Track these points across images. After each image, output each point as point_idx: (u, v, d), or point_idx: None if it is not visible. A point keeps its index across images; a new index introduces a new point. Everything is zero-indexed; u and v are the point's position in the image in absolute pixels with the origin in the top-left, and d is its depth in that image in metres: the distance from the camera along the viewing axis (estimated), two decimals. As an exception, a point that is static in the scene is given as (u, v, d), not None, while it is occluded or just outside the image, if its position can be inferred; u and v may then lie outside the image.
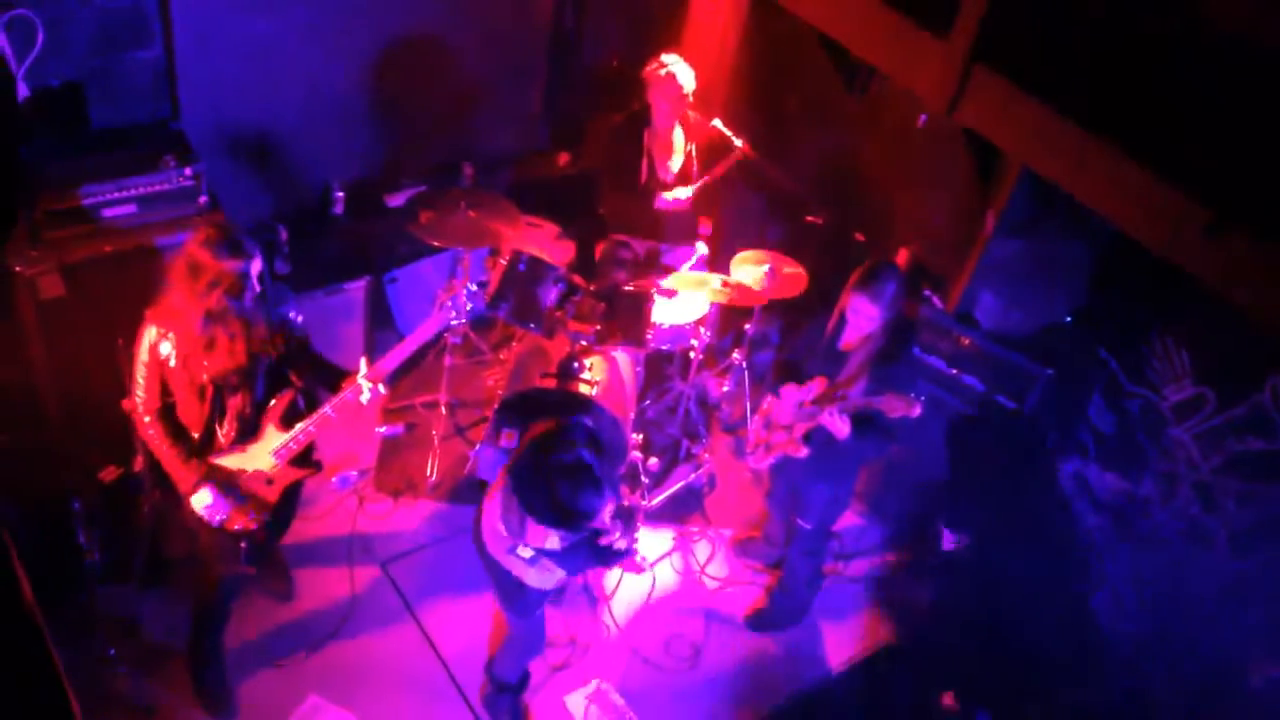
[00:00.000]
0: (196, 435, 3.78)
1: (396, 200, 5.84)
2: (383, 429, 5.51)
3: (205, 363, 3.62)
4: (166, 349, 3.62)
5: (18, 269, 4.21)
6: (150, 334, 3.63)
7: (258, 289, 3.61)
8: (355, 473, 5.30)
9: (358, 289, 5.40)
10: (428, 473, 5.37)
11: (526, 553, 3.80)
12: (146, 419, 3.73)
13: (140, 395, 3.71)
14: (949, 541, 5.21)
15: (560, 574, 3.92)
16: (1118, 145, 2.69)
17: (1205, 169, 2.56)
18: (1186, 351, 4.43)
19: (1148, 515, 4.68)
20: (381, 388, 3.84)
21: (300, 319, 3.90)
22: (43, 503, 4.49)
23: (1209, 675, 4.54)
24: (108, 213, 4.37)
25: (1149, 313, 4.54)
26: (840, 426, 4.11)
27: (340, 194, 5.62)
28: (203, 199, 4.55)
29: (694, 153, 5.36)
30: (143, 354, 3.66)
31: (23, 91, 4.35)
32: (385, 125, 5.73)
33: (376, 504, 5.22)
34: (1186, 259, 2.62)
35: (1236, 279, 2.56)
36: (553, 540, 3.70)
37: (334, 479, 5.21)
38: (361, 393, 3.82)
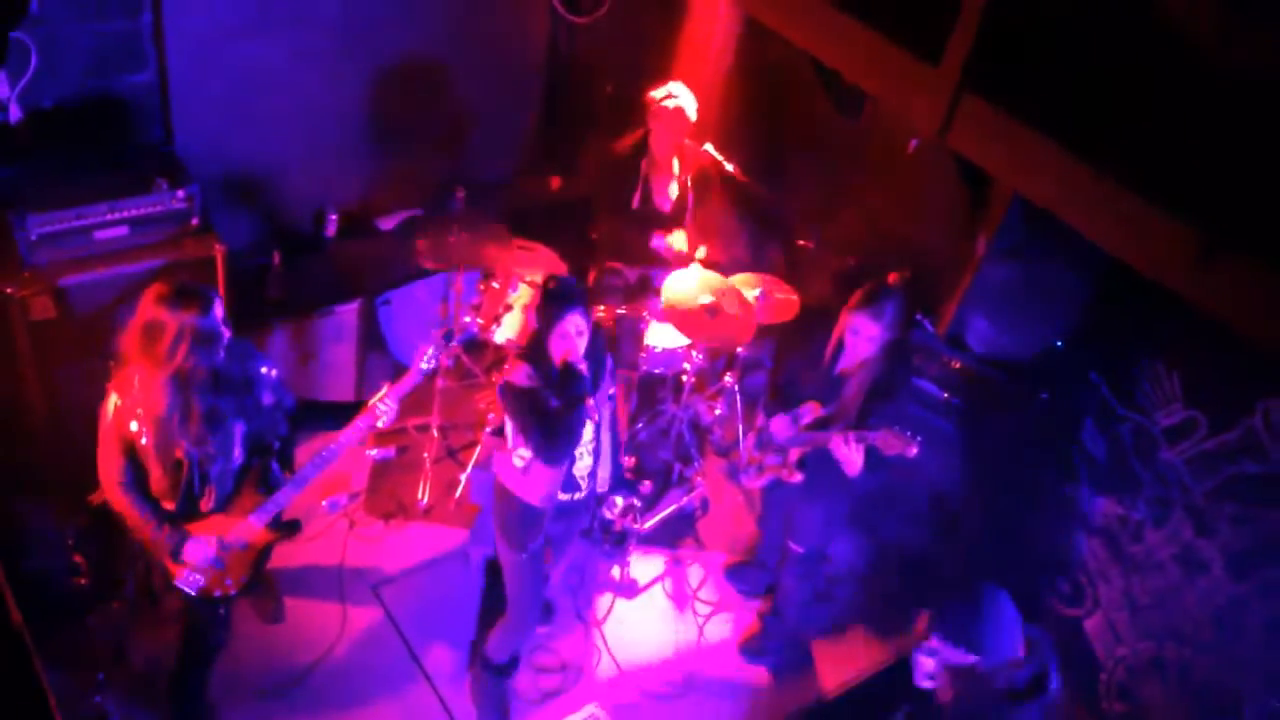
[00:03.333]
0: (172, 506, 3.65)
1: (389, 223, 5.85)
2: (374, 452, 5.50)
3: (180, 439, 3.49)
4: (135, 426, 3.48)
5: (9, 290, 4.20)
6: (115, 403, 3.49)
7: (226, 335, 3.48)
8: (346, 495, 5.28)
9: (350, 312, 5.39)
10: (419, 496, 5.35)
11: (521, 460, 3.96)
12: (113, 491, 3.58)
13: (104, 466, 3.56)
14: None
15: (549, 485, 4.02)
16: (1108, 170, 2.70)
17: (1196, 193, 2.57)
18: (1178, 375, 4.44)
19: (1140, 539, 4.68)
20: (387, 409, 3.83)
21: (275, 373, 3.78)
22: (32, 526, 4.47)
23: (1204, 703, 4.53)
24: (100, 235, 4.36)
25: (1140, 337, 4.56)
26: (854, 458, 4.07)
27: (333, 217, 5.63)
28: (195, 221, 4.54)
29: (689, 182, 5.37)
30: (106, 425, 3.52)
31: (16, 114, 4.35)
32: (379, 149, 5.74)
33: (367, 527, 5.20)
34: (1177, 283, 2.63)
35: (1227, 303, 2.56)
36: (520, 375, 3.88)
37: (324, 502, 5.19)
38: (380, 417, 3.79)
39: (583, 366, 3.87)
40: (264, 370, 3.74)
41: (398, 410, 3.86)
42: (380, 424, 3.82)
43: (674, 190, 5.38)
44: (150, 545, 3.69)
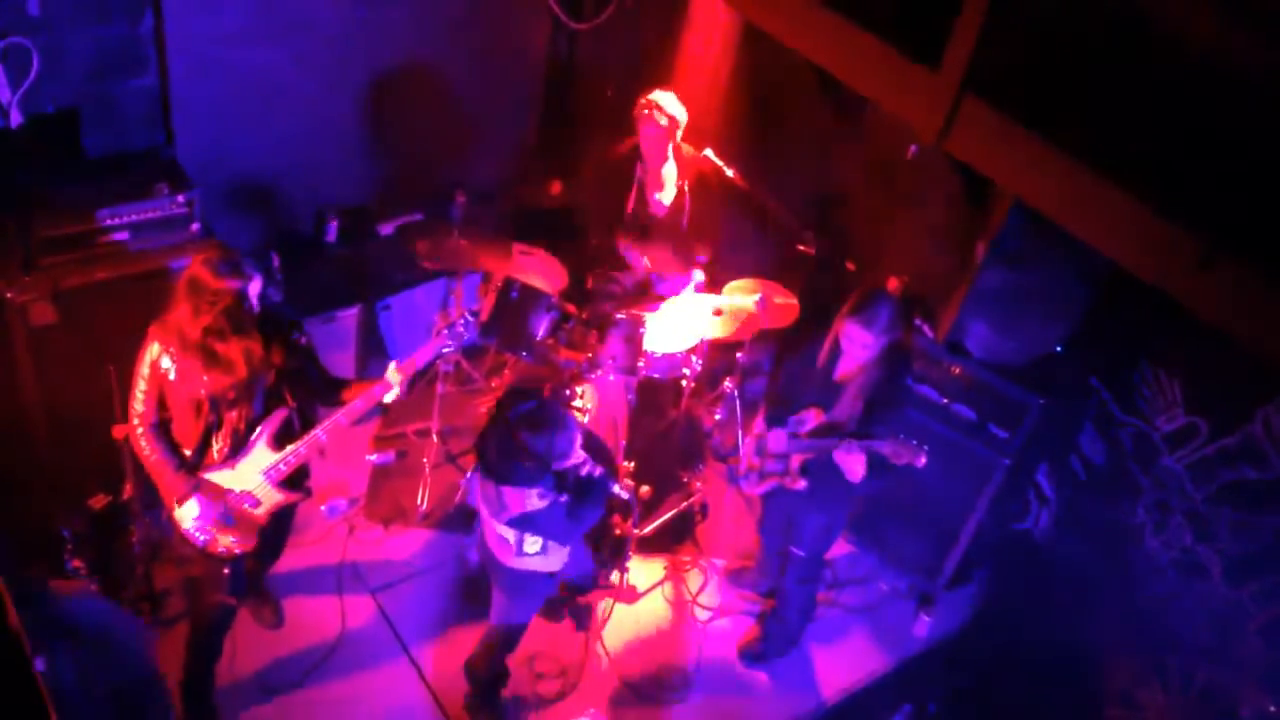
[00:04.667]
0: (189, 452, 3.80)
1: (390, 228, 5.85)
2: (373, 457, 5.50)
3: (204, 378, 3.66)
4: (167, 363, 3.67)
5: (9, 295, 4.20)
6: (153, 348, 3.69)
7: (256, 309, 3.67)
8: (345, 501, 5.27)
9: (350, 316, 5.40)
10: (419, 501, 5.34)
11: (534, 546, 3.90)
12: (140, 430, 3.76)
13: (138, 408, 3.74)
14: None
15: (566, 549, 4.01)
16: (1108, 176, 2.70)
17: (1196, 199, 2.58)
18: (1178, 382, 4.45)
19: (1140, 544, 4.68)
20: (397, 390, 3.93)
21: (304, 340, 3.94)
22: (31, 530, 4.47)
23: (1204, 707, 4.53)
24: (100, 240, 4.36)
25: (1140, 343, 4.56)
26: (856, 466, 4.07)
27: (334, 221, 5.63)
28: (195, 226, 4.55)
29: (686, 188, 5.37)
30: (144, 367, 3.72)
31: (17, 118, 4.36)
32: (380, 153, 5.74)
33: (367, 532, 5.20)
34: (1178, 289, 2.63)
35: (1227, 309, 2.57)
36: (532, 500, 3.76)
37: (324, 507, 5.18)
38: (391, 389, 3.91)
39: (597, 471, 3.89)
40: (294, 336, 3.89)
41: (407, 386, 3.96)
42: (389, 397, 3.93)
43: (668, 197, 5.38)
44: (162, 487, 3.82)
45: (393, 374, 3.93)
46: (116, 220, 4.37)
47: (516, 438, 3.61)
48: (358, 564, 5.04)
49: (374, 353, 5.71)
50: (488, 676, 4.47)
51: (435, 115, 5.83)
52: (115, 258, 4.40)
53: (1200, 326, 2.69)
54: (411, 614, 4.89)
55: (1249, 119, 2.56)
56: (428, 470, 5.39)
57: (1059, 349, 4.81)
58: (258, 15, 4.89)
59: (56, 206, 4.27)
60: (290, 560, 4.73)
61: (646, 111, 5.13)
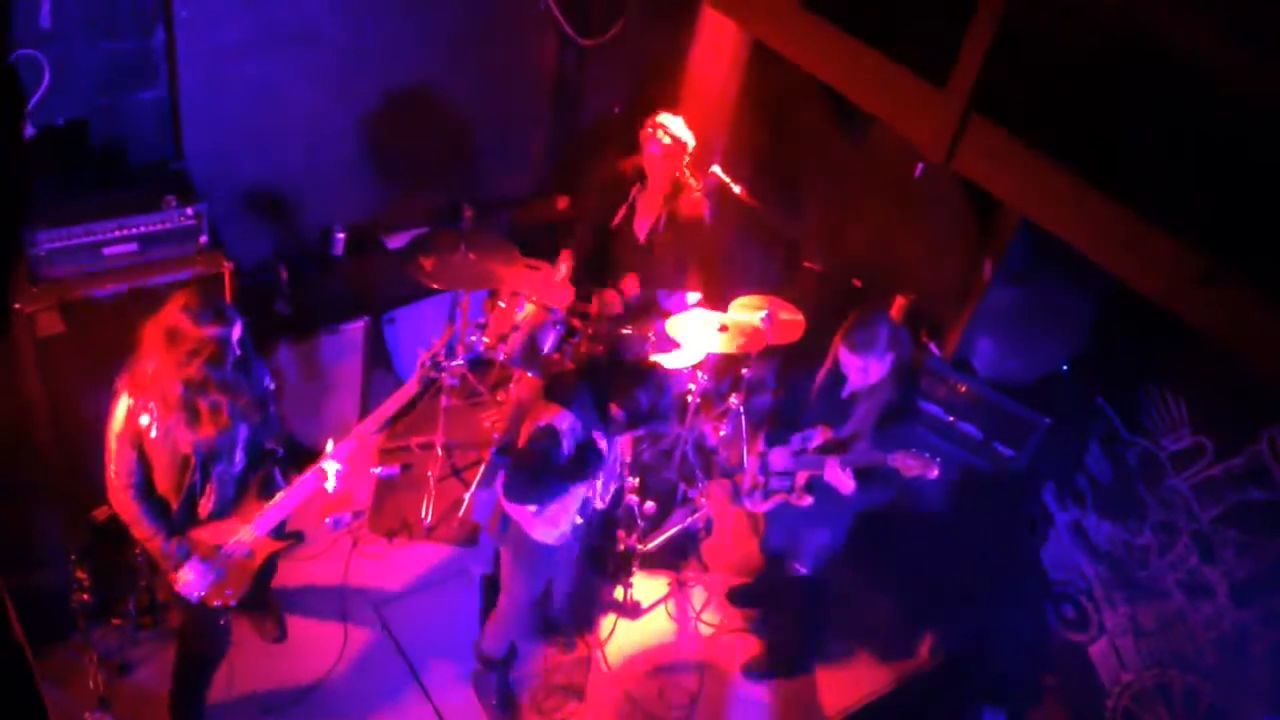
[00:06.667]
0: (175, 505, 3.69)
1: (396, 242, 5.86)
2: (378, 470, 5.49)
3: (188, 433, 3.53)
4: (145, 420, 3.52)
5: (17, 306, 4.21)
6: (126, 404, 3.52)
7: (239, 354, 3.54)
8: (350, 514, 5.27)
9: (356, 330, 5.40)
10: (423, 514, 5.34)
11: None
12: (122, 495, 3.60)
13: (113, 469, 3.58)
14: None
15: (563, 528, 4.11)
16: (1115, 194, 2.71)
17: (1200, 217, 2.58)
18: (1184, 401, 4.44)
19: (1146, 565, 4.66)
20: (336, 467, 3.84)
21: (273, 386, 3.86)
22: (35, 541, 4.47)
23: (1209, 728, 4.50)
24: (108, 251, 4.37)
25: (1147, 362, 4.55)
26: (845, 481, 4.09)
27: (341, 235, 5.64)
28: (203, 238, 4.56)
29: (662, 221, 5.28)
30: (117, 425, 3.54)
31: (28, 130, 4.37)
32: (387, 167, 5.76)
33: (371, 546, 5.19)
34: (1184, 307, 2.63)
35: (1234, 328, 2.56)
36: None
37: (328, 520, 5.18)
38: (326, 479, 3.81)
39: (602, 445, 4.00)
40: (267, 383, 3.82)
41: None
42: (329, 485, 3.84)
43: (648, 223, 5.34)
44: (154, 555, 3.73)
45: (327, 462, 3.82)
46: (124, 232, 4.38)
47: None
48: (361, 578, 5.03)
49: (379, 366, 5.71)
50: (498, 655, 4.55)
51: (443, 129, 5.85)
52: (123, 269, 4.41)
53: (1206, 346, 2.69)
54: (415, 628, 4.88)
55: (1252, 136, 2.56)
56: (432, 483, 5.39)
57: (1065, 367, 4.80)
58: (267, 29, 4.91)
59: (65, 218, 4.28)
60: (293, 574, 4.73)
61: (651, 131, 5.11)
